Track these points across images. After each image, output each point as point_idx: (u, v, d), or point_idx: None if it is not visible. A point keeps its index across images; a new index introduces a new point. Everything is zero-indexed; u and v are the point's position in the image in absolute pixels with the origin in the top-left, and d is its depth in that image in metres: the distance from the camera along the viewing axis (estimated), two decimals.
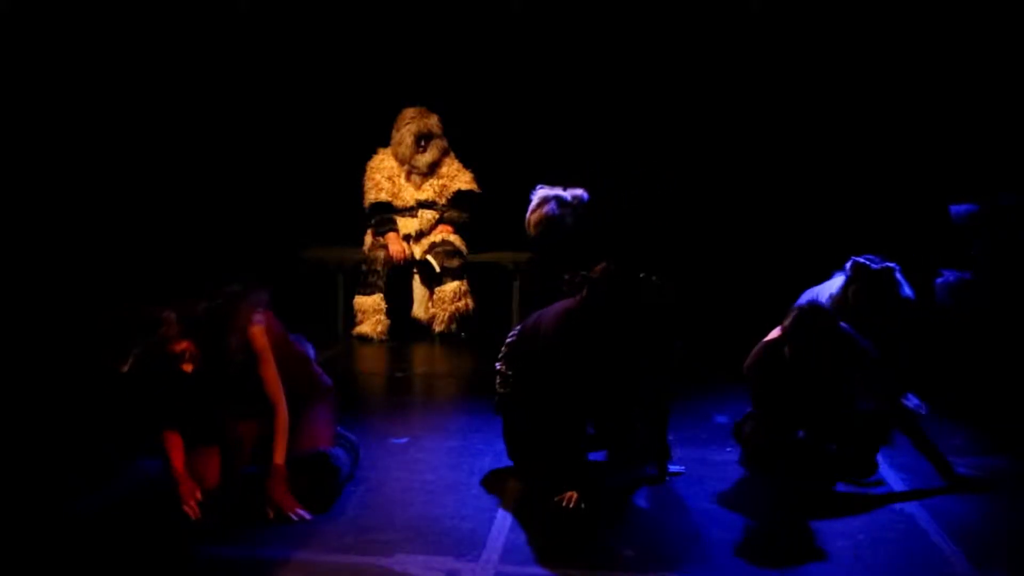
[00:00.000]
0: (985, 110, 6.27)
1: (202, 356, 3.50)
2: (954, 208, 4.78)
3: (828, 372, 3.86)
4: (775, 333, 3.98)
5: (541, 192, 4.71)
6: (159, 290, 5.63)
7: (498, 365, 4.08)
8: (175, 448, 3.60)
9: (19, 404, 4.82)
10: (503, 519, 3.56)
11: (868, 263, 4.37)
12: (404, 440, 4.55)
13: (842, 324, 3.93)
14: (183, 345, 3.46)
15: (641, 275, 3.81)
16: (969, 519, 3.53)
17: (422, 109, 6.42)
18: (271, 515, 3.48)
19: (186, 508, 3.51)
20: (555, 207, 4.61)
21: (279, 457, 3.56)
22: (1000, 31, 6.21)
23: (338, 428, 3.91)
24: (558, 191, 4.70)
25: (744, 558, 3.22)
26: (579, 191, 4.77)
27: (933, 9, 6.33)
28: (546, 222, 4.63)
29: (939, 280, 4.80)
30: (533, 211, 4.68)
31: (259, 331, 3.61)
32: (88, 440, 4.50)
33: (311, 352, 4.03)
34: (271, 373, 3.63)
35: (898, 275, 4.44)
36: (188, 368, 3.47)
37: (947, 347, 4.73)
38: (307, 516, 3.49)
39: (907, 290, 4.51)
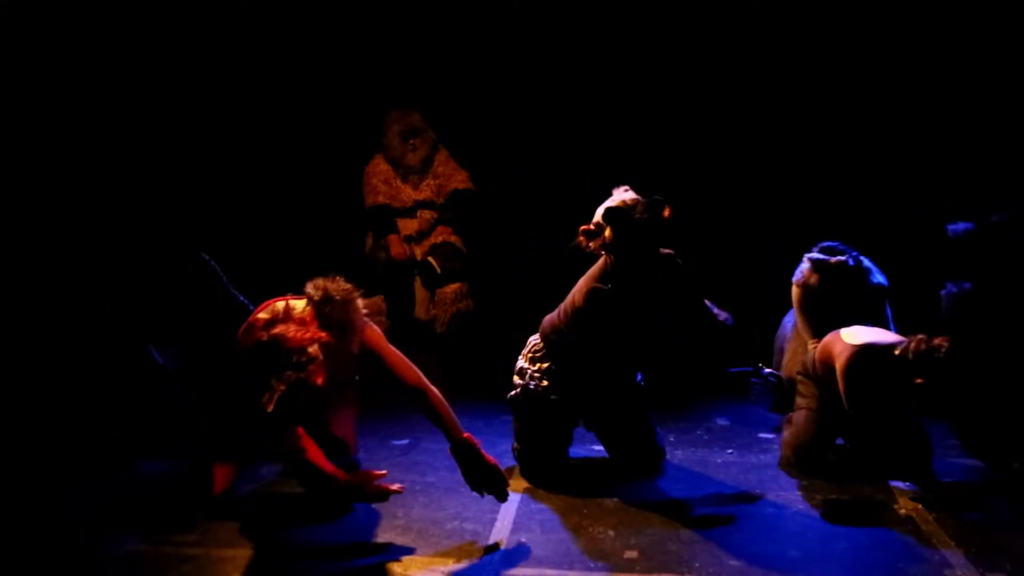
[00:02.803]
0: (983, 118, 6.25)
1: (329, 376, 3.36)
2: (950, 227, 4.90)
3: None
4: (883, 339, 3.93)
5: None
6: (160, 291, 5.64)
7: (521, 362, 4.13)
8: (311, 447, 3.41)
9: (20, 404, 4.83)
10: (504, 520, 3.57)
11: (824, 258, 4.48)
12: (405, 442, 4.56)
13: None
14: (322, 378, 3.30)
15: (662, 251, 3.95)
16: (969, 519, 3.54)
17: (403, 109, 6.46)
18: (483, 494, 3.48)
19: (386, 487, 3.41)
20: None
21: (458, 432, 3.49)
22: (1000, 37, 6.20)
23: None
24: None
25: (745, 560, 3.23)
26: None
27: (931, 10, 6.32)
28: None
29: (943, 292, 4.87)
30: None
31: (372, 330, 3.56)
32: (88, 441, 4.52)
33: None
34: (397, 359, 3.54)
35: (865, 263, 4.53)
36: (320, 381, 3.30)
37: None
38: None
39: (878, 277, 4.59)
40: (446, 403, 3.53)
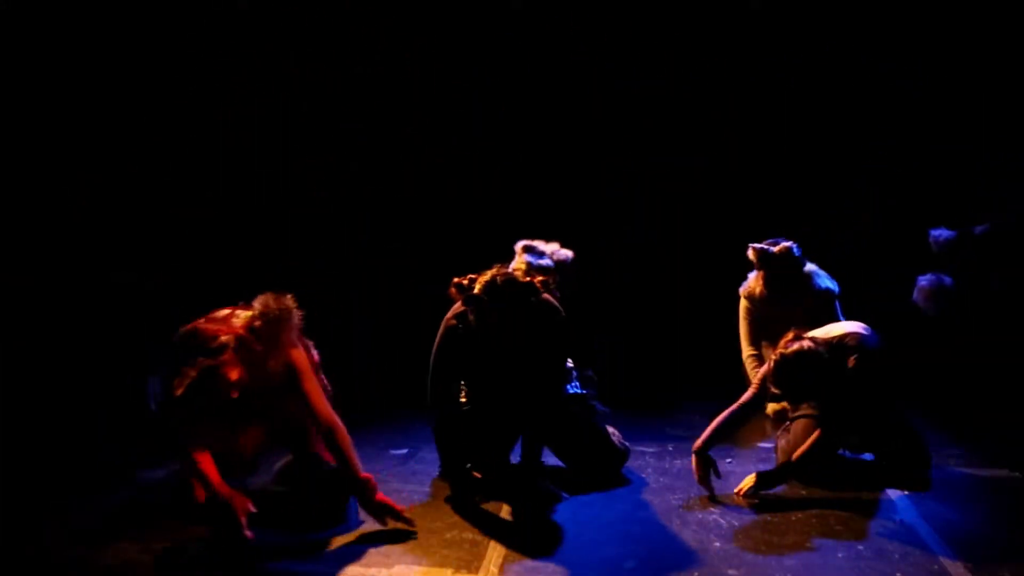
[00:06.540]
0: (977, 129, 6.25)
1: (247, 381, 3.43)
2: (933, 232, 4.92)
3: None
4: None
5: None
6: (163, 300, 5.64)
7: None
8: (209, 466, 3.39)
9: (22, 411, 4.84)
10: (502, 530, 3.57)
11: (766, 247, 4.68)
12: (404, 451, 4.56)
13: None
14: (236, 373, 3.37)
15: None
16: (969, 529, 3.54)
17: None
18: (387, 524, 3.52)
19: (243, 522, 3.30)
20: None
21: (359, 471, 3.52)
22: (998, 47, 6.20)
23: None
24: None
25: (743, 569, 3.23)
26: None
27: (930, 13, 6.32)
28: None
29: (921, 279, 4.89)
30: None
31: (301, 353, 3.58)
32: (89, 449, 4.52)
33: (315, 355, 3.92)
34: (314, 388, 3.56)
35: (810, 267, 4.74)
36: (235, 395, 3.38)
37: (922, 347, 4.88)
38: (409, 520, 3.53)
39: (825, 282, 4.76)
40: (350, 442, 3.55)
